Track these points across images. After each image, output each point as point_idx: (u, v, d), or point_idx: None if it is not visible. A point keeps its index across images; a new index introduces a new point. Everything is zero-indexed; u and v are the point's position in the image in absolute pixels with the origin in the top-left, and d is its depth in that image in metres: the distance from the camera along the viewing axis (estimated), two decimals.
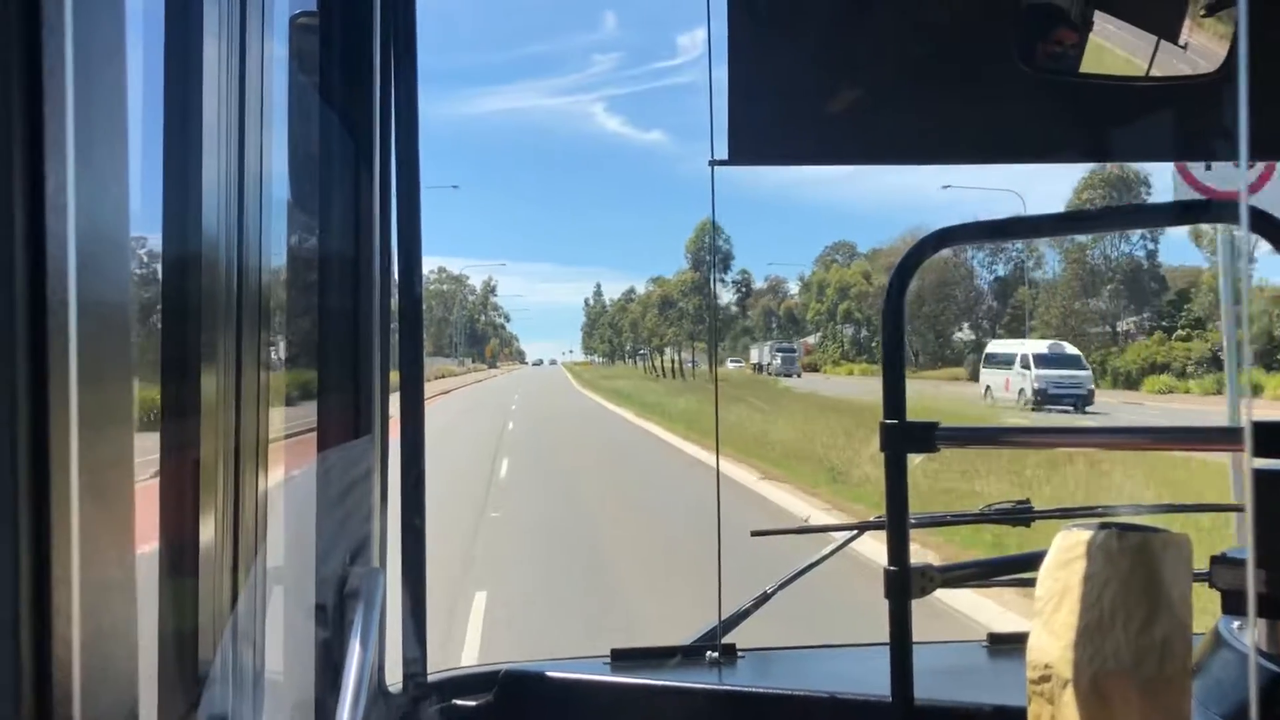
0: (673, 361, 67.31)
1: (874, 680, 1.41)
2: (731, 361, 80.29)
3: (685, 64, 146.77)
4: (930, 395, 33.89)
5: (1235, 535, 3.90)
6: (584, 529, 11.19)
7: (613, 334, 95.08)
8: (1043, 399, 33.46)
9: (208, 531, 0.88)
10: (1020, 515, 1.93)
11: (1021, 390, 34.99)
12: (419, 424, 1.67)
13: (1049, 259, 62.35)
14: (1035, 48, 1.45)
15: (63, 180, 0.48)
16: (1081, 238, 49.58)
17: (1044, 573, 0.90)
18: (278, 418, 1.22)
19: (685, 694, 1.67)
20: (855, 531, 2.00)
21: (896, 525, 1.24)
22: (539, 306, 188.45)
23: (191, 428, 0.86)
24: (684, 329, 69.22)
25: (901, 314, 1.27)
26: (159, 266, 0.87)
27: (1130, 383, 46.76)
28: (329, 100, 1.46)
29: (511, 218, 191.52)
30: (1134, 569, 0.85)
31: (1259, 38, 0.75)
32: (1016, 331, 53.32)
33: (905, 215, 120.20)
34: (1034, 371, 34.93)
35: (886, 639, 1.25)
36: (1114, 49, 1.45)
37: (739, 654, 1.79)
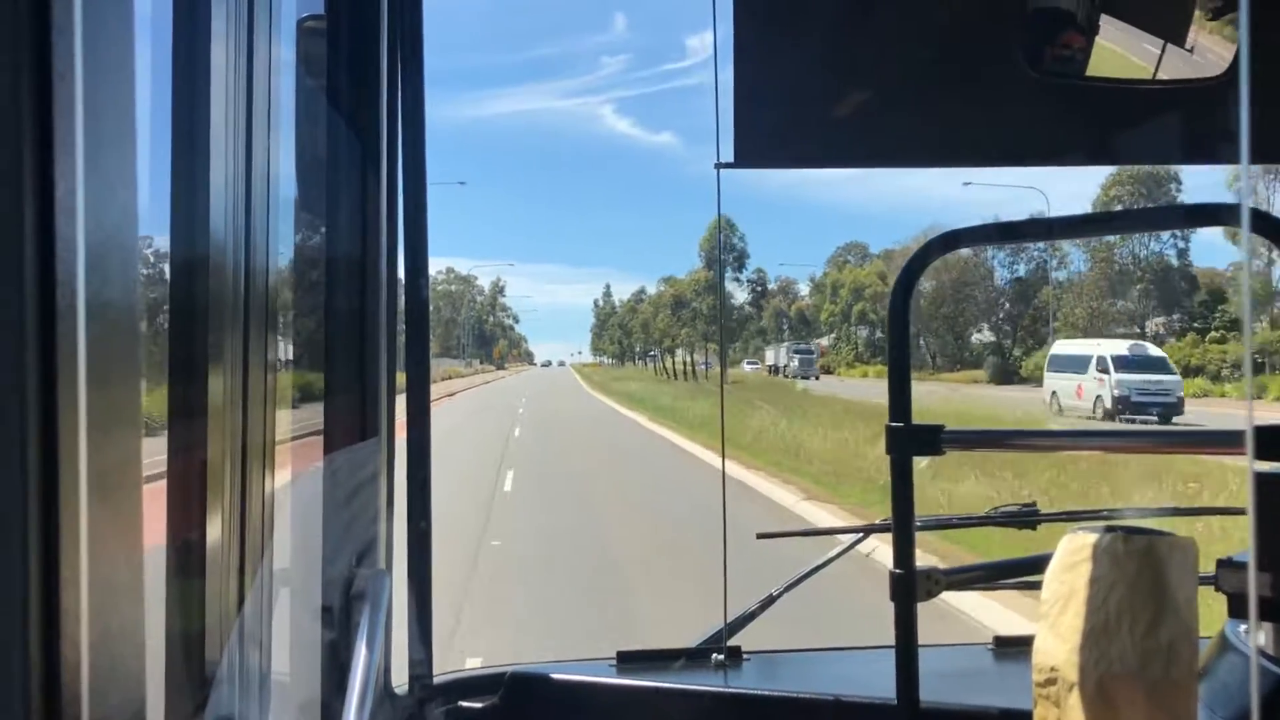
0: (684, 363, 66.92)
1: (879, 683, 1.41)
2: (748, 364, 79.04)
3: (694, 66, 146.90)
4: (976, 398, 30.54)
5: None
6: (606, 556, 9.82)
7: (622, 335, 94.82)
8: (1125, 407, 29.02)
9: (215, 533, 0.89)
10: (1026, 518, 1.93)
11: (1099, 398, 30.36)
12: (425, 426, 1.68)
13: (1074, 258, 61.44)
14: (1042, 51, 1.46)
15: (72, 183, 0.48)
16: (1110, 236, 48.67)
17: (1050, 575, 0.90)
18: (285, 419, 1.22)
19: (691, 696, 1.67)
20: (861, 534, 2.00)
21: (902, 528, 1.24)
22: (547, 307, 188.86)
23: (199, 429, 0.87)
24: (697, 329, 68.66)
25: (907, 316, 1.27)
26: (167, 268, 0.87)
27: None
28: (336, 103, 1.47)
29: (520, 218, 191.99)
30: (1140, 572, 0.84)
31: (1262, 41, 0.75)
32: (1038, 335, 52.32)
33: (916, 216, 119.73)
34: (1114, 376, 30.20)
35: (892, 642, 1.25)
36: (1119, 52, 1.45)
37: (745, 656, 1.79)
